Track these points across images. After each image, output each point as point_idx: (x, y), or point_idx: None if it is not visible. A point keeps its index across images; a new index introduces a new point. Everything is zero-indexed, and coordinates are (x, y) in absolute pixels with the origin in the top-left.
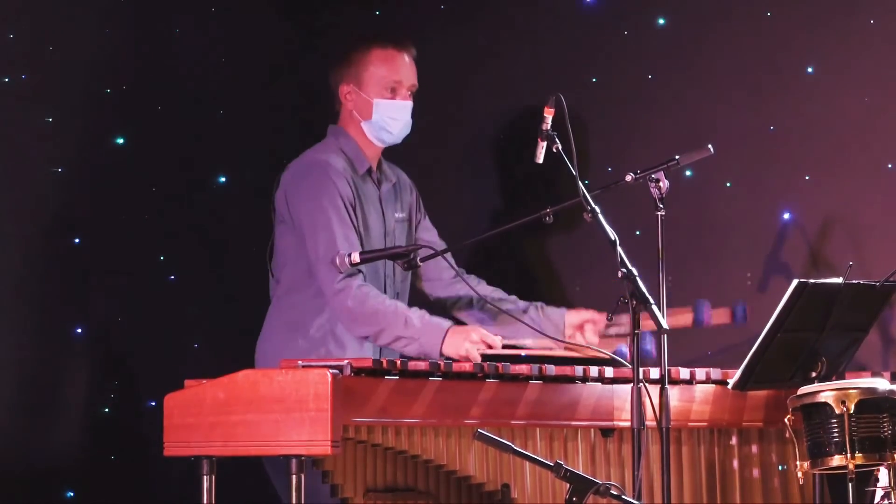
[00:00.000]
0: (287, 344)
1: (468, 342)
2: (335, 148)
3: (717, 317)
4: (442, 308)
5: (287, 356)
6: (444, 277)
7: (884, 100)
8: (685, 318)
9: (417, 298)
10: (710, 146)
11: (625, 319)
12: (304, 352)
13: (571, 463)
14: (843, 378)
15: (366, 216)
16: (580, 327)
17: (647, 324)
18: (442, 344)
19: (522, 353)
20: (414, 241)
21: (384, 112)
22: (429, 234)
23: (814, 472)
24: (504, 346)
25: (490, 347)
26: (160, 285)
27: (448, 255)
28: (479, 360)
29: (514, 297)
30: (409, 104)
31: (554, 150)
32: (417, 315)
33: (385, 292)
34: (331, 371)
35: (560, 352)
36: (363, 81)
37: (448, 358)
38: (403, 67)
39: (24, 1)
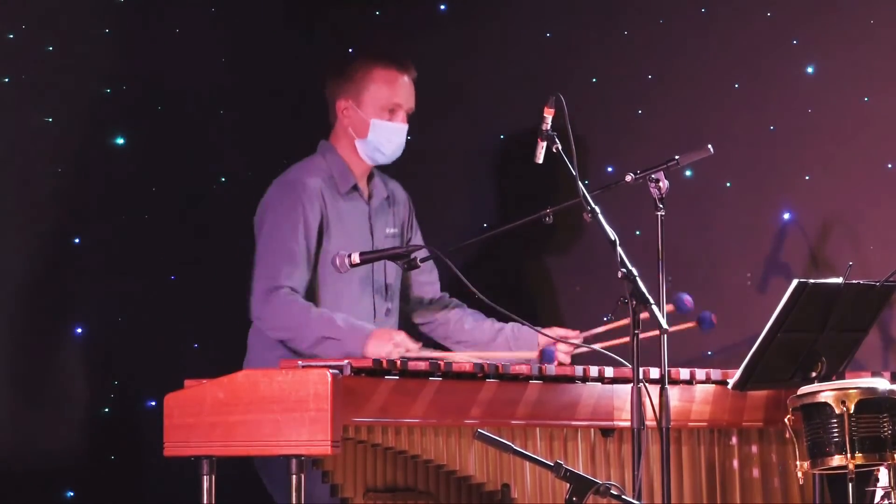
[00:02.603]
0: (271, 364)
1: (391, 343)
2: (320, 166)
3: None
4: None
5: None
6: (425, 297)
7: (884, 100)
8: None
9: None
10: (710, 146)
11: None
12: None
13: (571, 463)
14: (843, 378)
15: (344, 234)
16: (553, 344)
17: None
18: (366, 346)
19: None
20: None
21: (380, 133)
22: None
23: (814, 472)
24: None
25: (408, 351)
26: (160, 285)
27: (432, 272)
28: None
29: (492, 319)
30: (405, 127)
31: (554, 150)
32: (342, 317)
33: (374, 306)
34: (331, 371)
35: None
36: (362, 100)
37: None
38: (403, 90)
39: (24, 1)
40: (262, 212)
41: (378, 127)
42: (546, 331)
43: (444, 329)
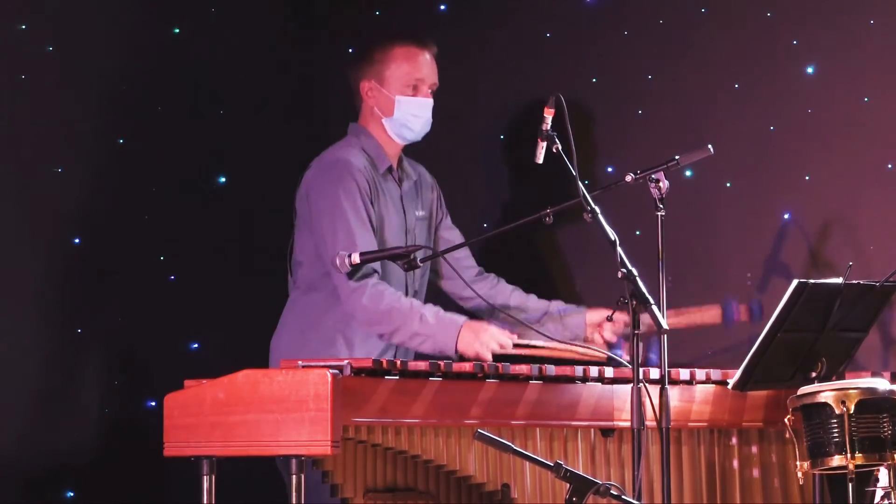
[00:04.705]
0: (299, 343)
1: (476, 343)
2: (356, 146)
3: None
4: (459, 311)
5: (298, 355)
6: (465, 276)
7: (884, 100)
8: (713, 315)
9: (440, 299)
10: (710, 146)
11: (646, 318)
12: (313, 352)
13: (571, 463)
14: (843, 378)
15: (385, 214)
16: (599, 326)
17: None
18: (456, 341)
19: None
20: (435, 239)
21: (406, 109)
22: (450, 232)
23: (814, 472)
24: (515, 346)
25: (502, 348)
26: (160, 285)
27: (467, 257)
28: (489, 359)
29: (533, 297)
30: (430, 102)
31: (554, 150)
32: (432, 312)
33: (406, 293)
34: (331, 371)
35: (566, 350)
36: (385, 78)
37: (462, 355)
38: (425, 65)
39: (24, 1)
40: (310, 192)
41: (403, 103)
42: (591, 311)
43: (491, 296)
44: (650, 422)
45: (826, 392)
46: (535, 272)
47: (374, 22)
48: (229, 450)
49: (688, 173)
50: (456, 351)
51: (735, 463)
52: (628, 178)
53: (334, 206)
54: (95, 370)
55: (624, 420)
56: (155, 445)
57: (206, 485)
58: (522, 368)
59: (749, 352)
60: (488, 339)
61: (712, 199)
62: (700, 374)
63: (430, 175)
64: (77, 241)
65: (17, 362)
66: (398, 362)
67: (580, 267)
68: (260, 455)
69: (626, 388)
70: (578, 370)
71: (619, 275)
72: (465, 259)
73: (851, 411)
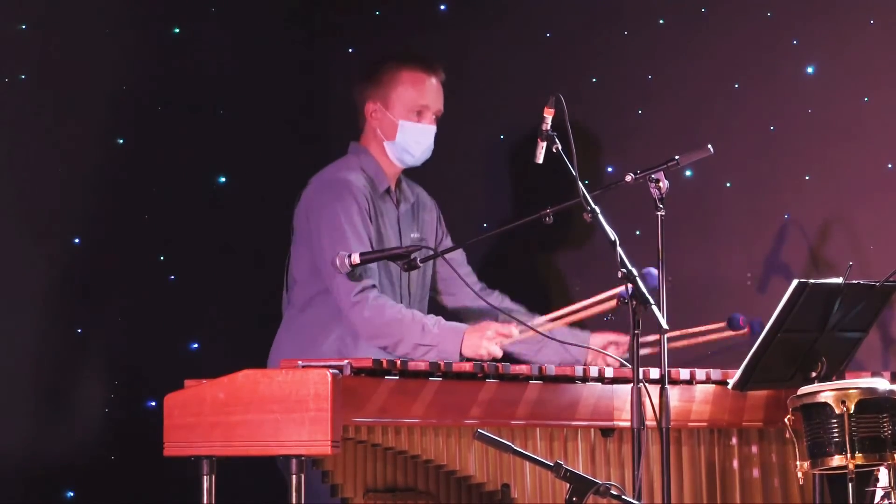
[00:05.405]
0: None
1: (484, 339)
2: (356, 166)
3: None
4: (460, 319)
5: None
6: (466, 292)
7: (884, 100)
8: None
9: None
10: (710, 146)
11: (651, 339)
12: None
13: (571, 463)
14: (843, 378)
15: (383, 235)
16: (604, 348)
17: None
18: (461, 347)
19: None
20: (435, 259)
21: (408, 135)
22: (451, 252)
23: (814, 472)
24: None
25: (507, 337)
26: (160, 285)
27: (469, 273)
28: (499, 354)
29: (536, 319)
30: (433, 129)
31: (554, 150)
32: (434, 321)
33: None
34: (331, 371)
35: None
36: (390, 102)
37: (469, 359)
38: (431, 91)
39: (24, 1)
40: (310, 209)
41: (406, 128)
42: (595, 336)
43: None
44: (650, 422)
45: (826, 392)
46: (533, 274)
47: (375, 22)
48: (229, 450)
49: (688, 173)
50: (462, 357)
51: (735, 463)
52: (628, 178)
53: (333, 223)
54: (95, 370)
55: (624, 420)
56: (155, 445)
57: (206, 485)
58: (522, 368)
59: (749, 352)
60: (492, 335)
61: (712, 199)
62: (700, 374)
63: (430, 197)
64: (77, 241)
65: (18, 362)
66: (398, 362)
67: (580, 268)
68: (260, 455)
69: (626, 388)
70: (578, 370)
71: (619, 275)
72: (468, 276)
73: (851, 411)
